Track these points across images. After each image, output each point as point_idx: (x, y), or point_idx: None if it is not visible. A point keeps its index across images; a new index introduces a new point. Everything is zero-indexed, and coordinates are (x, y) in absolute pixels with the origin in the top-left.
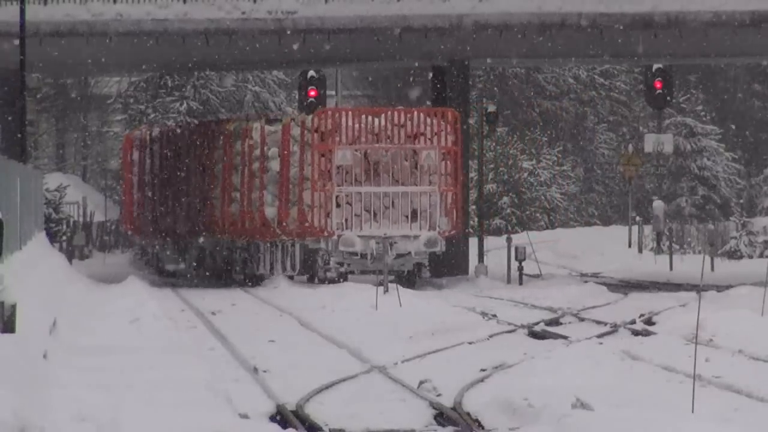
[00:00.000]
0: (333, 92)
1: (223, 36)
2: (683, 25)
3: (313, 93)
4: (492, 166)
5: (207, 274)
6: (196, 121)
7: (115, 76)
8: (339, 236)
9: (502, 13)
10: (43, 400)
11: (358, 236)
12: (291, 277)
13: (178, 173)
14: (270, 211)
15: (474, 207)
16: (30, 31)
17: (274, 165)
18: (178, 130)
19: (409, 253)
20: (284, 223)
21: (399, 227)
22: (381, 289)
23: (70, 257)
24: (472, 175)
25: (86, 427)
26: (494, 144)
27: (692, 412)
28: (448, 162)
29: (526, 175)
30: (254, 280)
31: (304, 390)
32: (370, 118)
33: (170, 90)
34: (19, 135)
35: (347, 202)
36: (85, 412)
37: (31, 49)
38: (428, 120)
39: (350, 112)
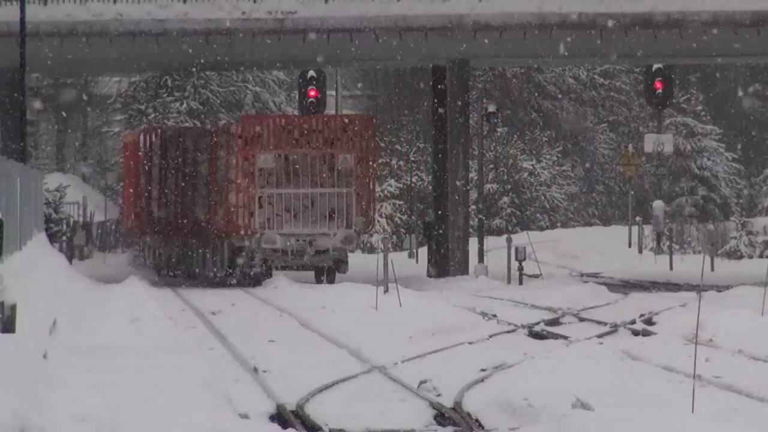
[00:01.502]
0: (333, 92)
1: (223, 36)
2: (683, 25)
3: (313, 93)
4: (492, 166)
5: (161, 271)
6: (169, 125)
7: (115, 76)
8: (261, 234)
9: (502, 13)
10: (43, 400)
11: (279, 234)
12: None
13: (147, 176)
14: (201, 212)
15: (474, 207)
16: (30, 31)
17: (204, 169)
18: (153, 135)
19: (328, 249)
20: (212, 223)
21: (318, 226)
22: (381, 289)
23: (70, 257)
24: (472, 175)
25: (86, 427)
26: (494, 144)
27: (692, 412)
28: (363, 165)
29: (526, 175)
30: (192, 276)
31: (304, 390)
32: (290, 124)
33: (170, 90)
34: (19, 135)
35: (269, 203)
36: (85, 412)
37: (31, 49)
38: (345, 126)
39: (272, 119)
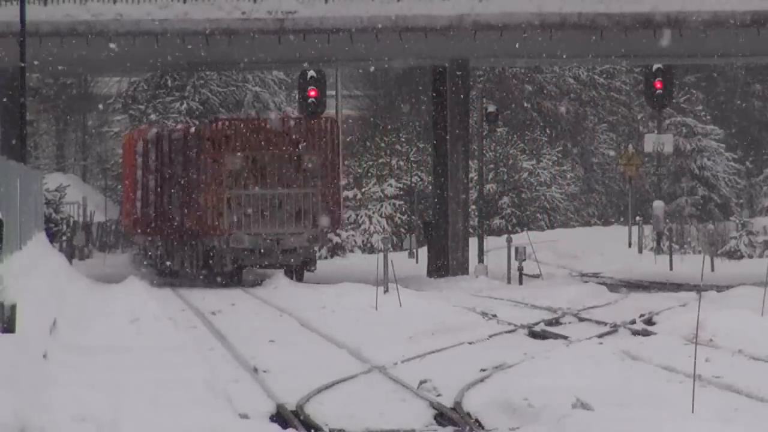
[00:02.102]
0: (333, 92)
1: (223, 36)
2: (683, 25)
3: (313, 93)
4: (492, 166)
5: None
6: (153, 128)
7: (115, 76)
8: (230, 234)
9: (502, 13)
10: (43, 400)
11: (247, 234)
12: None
13: (134, 177)
14: (177, 213)
15: (474, 207)
16: (30, 31)
17: (180, 170)
18: (140, 136)
19: (295, 248)
20: (187, 224)
21: (285, 225)
22: (381, 289)
23: (70, 257)
24: (472, 175)
25: (86, 427)
26: (494, 144)
27: (692, 412)
28: (329, 166)
29: (526, 175)
30: (175, 275)
31: (304, 390)
32: (257, 127)
33: (170, 90)
34: (19, 135)
35: (238, 204)
36: (85, 412)
37: (31, 49)
38: (310, 128)
39: (240, 122)
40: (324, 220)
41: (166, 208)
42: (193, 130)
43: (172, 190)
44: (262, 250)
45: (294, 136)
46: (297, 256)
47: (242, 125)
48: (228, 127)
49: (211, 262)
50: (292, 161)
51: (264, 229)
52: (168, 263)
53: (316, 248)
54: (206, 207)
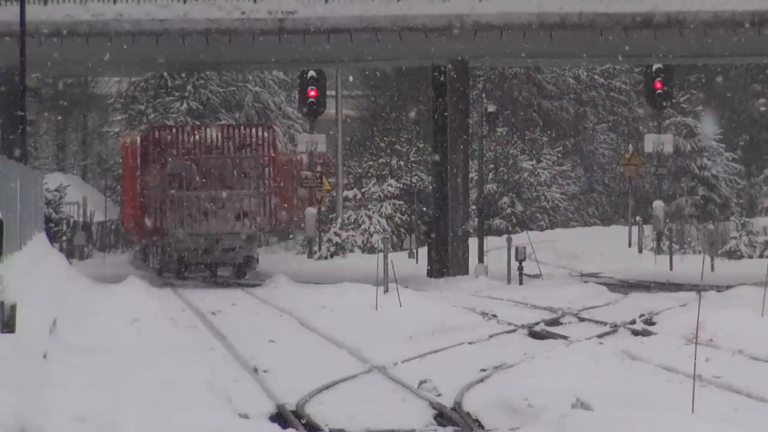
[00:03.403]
0: (333, 92)
1: (223, 36)
2: (683, 25)
3: (313, 93)
4: (492, 166)
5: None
6: (136, 131)
7: (115, 76)
8: (173, 234)
9: (502, 13)
10: (43, 400)
11: (189, 234)
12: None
13: (123, 178)
14: (140, 214)
15: (474, 207)
16: (30, 31)
17: (138, 173)
18: (127, 139)
19: (234, 247)
20: (144, 224)
21: (226, 225)
22: (381, 289)
23: (70, 257)
24: (472, 175)
25: (86, 427)
26: (494, 144)
27: (692, 412)
28: (268, 169)
29: (526, 175)
30: (157, 272)
31: (304, 390)
32: (202, 131)
33: (170, 90)
34: (19, 134)
35: (180, 205)
36: (85, 412)
37: (31, 49)
38: (252, 133)
39: (184, 128)
40: (263, 221)
41: (137, 209)
42: (145, 134)
43: (137, 193)
44: (202, 249)
45: (234, 142)
46: (237, 255)
47: (184, 131)
48: (170, 132)
49: (163, 259)
50: (232, 165)
51: (204, 229)
52: (149, 261)
53: (254, 247)
54: (153, 208)
